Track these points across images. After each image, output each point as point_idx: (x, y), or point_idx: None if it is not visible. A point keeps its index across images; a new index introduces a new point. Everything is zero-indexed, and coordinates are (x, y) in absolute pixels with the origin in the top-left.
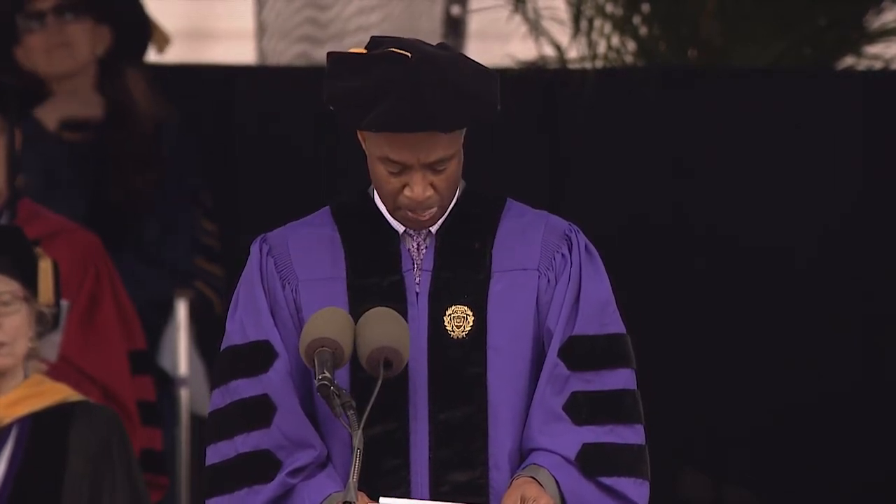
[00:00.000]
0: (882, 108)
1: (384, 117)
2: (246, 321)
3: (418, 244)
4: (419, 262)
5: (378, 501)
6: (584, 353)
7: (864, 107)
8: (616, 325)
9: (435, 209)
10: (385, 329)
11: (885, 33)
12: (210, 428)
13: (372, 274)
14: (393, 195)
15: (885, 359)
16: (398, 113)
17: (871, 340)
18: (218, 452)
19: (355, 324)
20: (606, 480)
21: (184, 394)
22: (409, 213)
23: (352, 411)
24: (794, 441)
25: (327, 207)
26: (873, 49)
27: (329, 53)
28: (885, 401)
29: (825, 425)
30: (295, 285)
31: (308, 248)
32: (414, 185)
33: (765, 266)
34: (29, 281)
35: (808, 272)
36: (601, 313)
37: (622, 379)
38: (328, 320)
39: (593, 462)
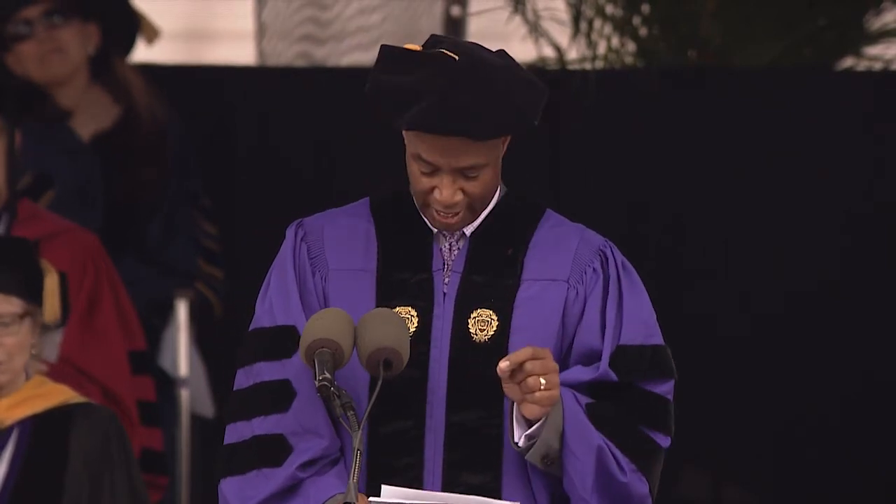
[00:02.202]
0: (882, 108)
1: (418, 117)
2: (276, 304)
3: (451, 245)
4: (450, 262)
5: (378, 493)
6: (633, 362)
7: (864, 107)
8: (658, 337)
9: (462, 213)
10: (385, 330)
11: (885, 34)
12: (231, 407)
13: (402, 270)
14: (423, 194)
15: (887, 361)
16: (432, 115)
17: (874, 342)
18: (236, 432)
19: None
20: (609, 442)
21: (184, 394)
22: (437, 215)
23: (352, 412)
24: (794, 441)
25: (366, 199)
26: (873, 49)
27: (382, 46)
28: (884, 404)
29: (824, 426)
30: (325, 273)
31: (342, 238)
32: (443, 188)
33: (764, 265)
34: (34, 296)
35: (808, 272)
36: (644, 325)
37: (665, 390)
38: (328, 321)
39: (604, 421)
